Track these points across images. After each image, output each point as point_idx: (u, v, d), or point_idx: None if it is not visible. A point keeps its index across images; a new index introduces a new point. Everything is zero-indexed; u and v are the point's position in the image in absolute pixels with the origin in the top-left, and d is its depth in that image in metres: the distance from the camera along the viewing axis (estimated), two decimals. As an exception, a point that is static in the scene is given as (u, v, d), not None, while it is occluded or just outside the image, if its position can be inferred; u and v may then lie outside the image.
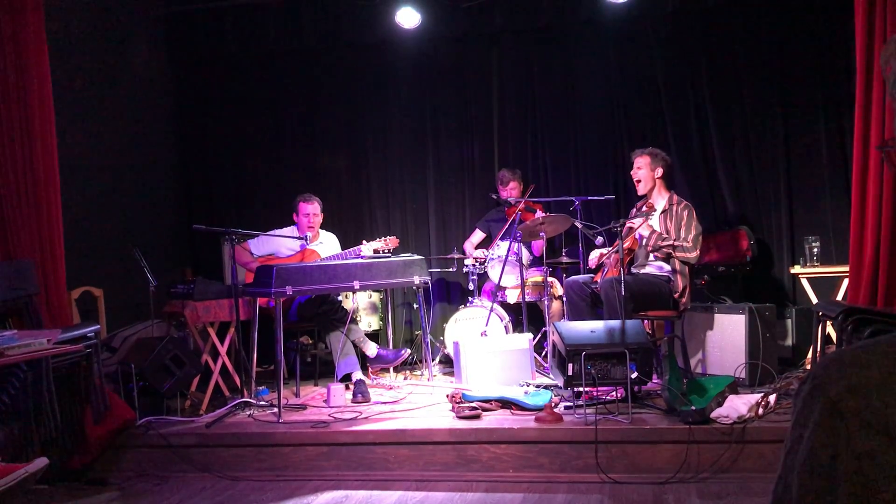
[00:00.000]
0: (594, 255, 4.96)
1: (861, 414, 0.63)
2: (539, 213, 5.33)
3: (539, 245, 5.44)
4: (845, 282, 4.66)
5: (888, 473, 0.60)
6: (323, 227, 5.43)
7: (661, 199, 4.79)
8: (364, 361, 5.08)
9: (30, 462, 2.76)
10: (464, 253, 5.87)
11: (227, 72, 6.70)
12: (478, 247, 6.02)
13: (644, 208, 4.77)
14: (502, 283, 5.34)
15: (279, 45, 6.45)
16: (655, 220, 4.73)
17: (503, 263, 5.20)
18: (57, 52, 4.75)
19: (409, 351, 5.13)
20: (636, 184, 4.83)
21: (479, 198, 6.31)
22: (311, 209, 5.24)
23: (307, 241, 5.21)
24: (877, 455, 0.61)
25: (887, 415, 0.62)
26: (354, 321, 5.13)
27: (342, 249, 5.37)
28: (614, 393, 4.10)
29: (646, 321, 4.66)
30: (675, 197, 4.77)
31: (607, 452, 3.59)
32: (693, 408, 3.61)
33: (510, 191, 5.78)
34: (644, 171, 4.76)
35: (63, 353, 3.60)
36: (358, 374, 4.81)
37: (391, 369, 5.26)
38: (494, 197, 5.80)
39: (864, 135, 4.08)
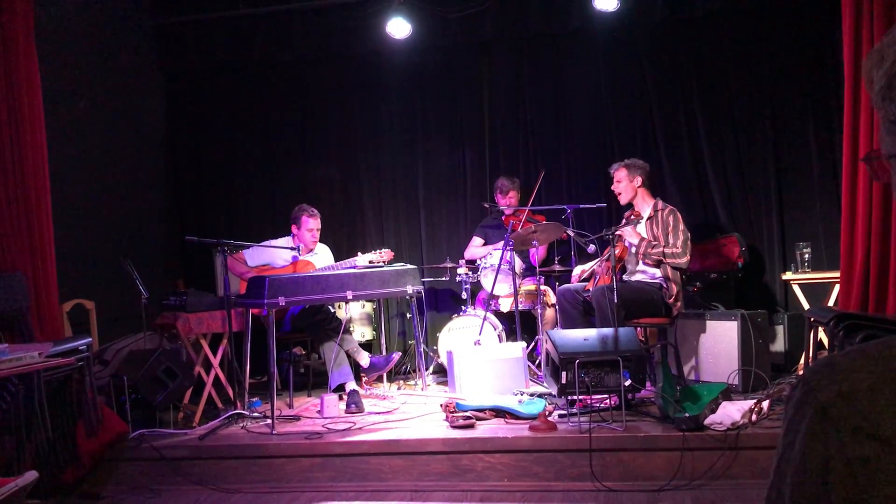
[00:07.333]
0: (577, 272, 5.02)
1: (852, 419, 0.63)
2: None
3: (538, 255, 5.42)
4: (836, 287, 4.68)
5: (880, 478, 0.60)
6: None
7: (646, 207, 4.83)
8: (357, 371, 5.06)
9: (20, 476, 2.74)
10: (469, 261, 5.71)
11: (217, 83, 6.70)
12: None
13: (632, 217, 4.82)
14: (495, 292, 5.34)
15: (270, 57, 6.45)
16: (642, 227, 4.77)
17: (496, 272, 5.20)
18: (47, 65, 4.74)
19: (399, 354, 5.09)
20: (617, 196, 4.89)
21: (472, 206, 6.31)
22: (315, 224, 5.26)
23: (299, 251, 5.20)
24: (869, 460, 0.61)
25: (878, 420, 0.62)
26: (348, 331, 5.12)
27: (335, 260, 5.37)
28: (608, 401, 4.10)
29: (638, 328, 4.68)
30: (660, 203, 4.81)
31: (602, 460, 3.59)
32: (687, 415, 3.62)
33: (509, 199, 5.73)
34: (623, 183, 4.83)
35: (55, 367, 3.57)
36: (351, 385, 4.80)
37: (385, 379, 5.24)
38: (487, 205, 5.79)
39: (852, 142, 4.11)
